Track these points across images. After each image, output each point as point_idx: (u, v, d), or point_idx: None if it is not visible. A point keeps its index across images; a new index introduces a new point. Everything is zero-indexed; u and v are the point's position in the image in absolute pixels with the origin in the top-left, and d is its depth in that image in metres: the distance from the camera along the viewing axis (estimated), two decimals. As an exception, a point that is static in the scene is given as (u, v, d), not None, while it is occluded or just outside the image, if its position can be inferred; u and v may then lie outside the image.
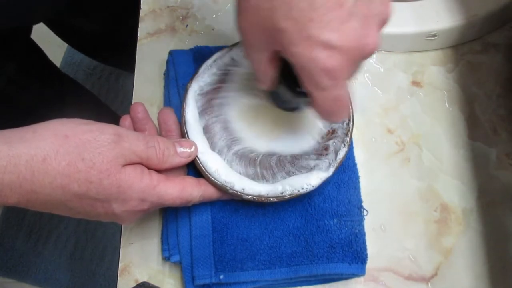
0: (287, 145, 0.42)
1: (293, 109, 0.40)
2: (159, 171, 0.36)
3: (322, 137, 0.42)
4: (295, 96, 0.35)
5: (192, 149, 0.38)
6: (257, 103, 0.43)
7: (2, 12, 0.50)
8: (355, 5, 0.28)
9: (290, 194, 0.38)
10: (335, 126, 0.41)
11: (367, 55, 0.30)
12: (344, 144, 0.40)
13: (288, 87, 0.35)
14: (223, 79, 0.43)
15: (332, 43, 0.28)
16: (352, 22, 0.28)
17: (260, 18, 0.30)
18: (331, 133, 0.41)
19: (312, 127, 0.42)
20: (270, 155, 0.41)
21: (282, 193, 0.38)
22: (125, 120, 0.40)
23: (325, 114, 0.33)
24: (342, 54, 0.28)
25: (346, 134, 0.40)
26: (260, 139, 0.42)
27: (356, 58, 0.29)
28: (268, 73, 0.34)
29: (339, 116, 0.34)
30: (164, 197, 0.35)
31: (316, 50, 0.28)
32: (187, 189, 0.36)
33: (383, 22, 0.30)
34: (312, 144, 0.42)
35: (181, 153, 0.38)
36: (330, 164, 0.39)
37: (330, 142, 0.41)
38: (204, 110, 0.43)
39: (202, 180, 0.38)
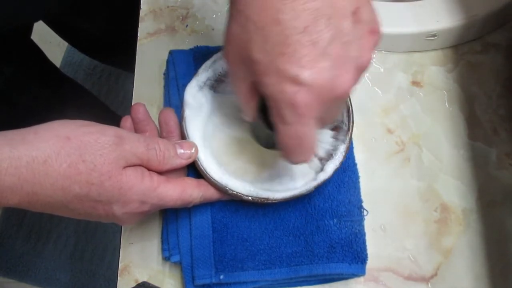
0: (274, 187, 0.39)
1: (271, 146, 0.40)
2: (159, 172, 0.36)
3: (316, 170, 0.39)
4: (270, 131, 0.35)
5: (193, 151, 0.38)
6: (242, 136, 0.42)
7: (1, 5, 0.50)
8: (329, 46, 0.28)
9: (290, 195, 0.38)
10: (338, 124, 0.41)
11: (338, 96, 0.29)
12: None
13: (264, 121, 0.36)
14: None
15: (300, 79, 0.28)
16: (324, 62, 0.28)
17: (240, 49, 0.30)
18: (337, 131, 0.41)
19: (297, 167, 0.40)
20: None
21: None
22: (126, 121, 0.40)
23: (285, 151, 0.32)
24: (310, 91, 0.28)
25: (346, 134, 0.40)
26: (243, 176, 0.40)
27: (326, 98, 0.29)
28: (249, 103, 0.34)
29: (297, 156, 0.32)
30: (164, 199, 0.35)
31: (285, 83, 0.28)
32: (188, 191, 0.36)
33: (361, 67, 0.30)
34: (301, 183, 0.39)
35: (182, 155, 0.38)
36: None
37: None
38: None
39: (202, 181, 0.38)
